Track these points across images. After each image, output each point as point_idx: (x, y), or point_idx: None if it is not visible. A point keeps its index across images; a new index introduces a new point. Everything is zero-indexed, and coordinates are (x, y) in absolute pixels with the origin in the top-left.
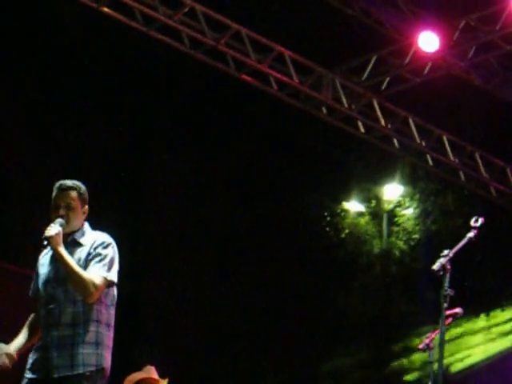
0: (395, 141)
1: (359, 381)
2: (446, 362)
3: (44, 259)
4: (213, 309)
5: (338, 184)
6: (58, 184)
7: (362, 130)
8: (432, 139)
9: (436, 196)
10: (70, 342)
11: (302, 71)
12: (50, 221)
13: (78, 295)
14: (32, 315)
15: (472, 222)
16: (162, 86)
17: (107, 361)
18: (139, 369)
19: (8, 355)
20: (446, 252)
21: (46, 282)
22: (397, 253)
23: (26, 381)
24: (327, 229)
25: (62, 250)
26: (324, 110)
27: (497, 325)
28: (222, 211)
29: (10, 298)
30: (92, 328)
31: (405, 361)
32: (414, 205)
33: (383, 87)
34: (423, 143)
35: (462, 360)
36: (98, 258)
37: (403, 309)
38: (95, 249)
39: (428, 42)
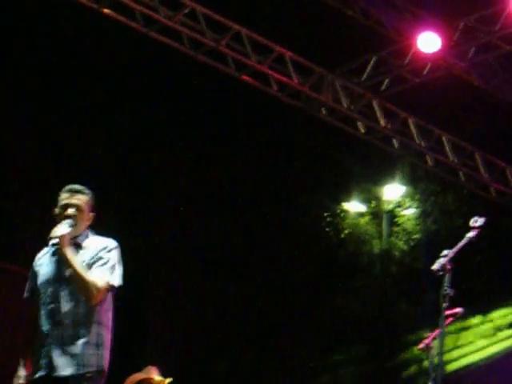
0: (395, 141)
1: (359, 380)
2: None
3: (43, 259)
4: (213, 309)
5: (338, 184)
6: (67, 187)
7: (362, 130)
8: (432, 139)
9: (436, 196)
10: (71, 342)
11: (302, 72)
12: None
13: (80, 296)
14: (28, 316)
15: (471, 223)
16: (162, 86)
17: (107, 362)
18: (140, 369)
19: None
20: (445, 252)
21: (48, 281)
22: (397, 253)
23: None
24: (327, 229)
25: (69, 250)
26: (324, 110)
27: (497, 325)
28: (222, 211)
29: (10, 297)
30: (94, 329)
31: (404, 357)
32: (414, 205)
33: (383, 88)
34: (423, 143)
35: (458, 359)
36: (101, 262)
37: (403, 309)
38: (98, 252)
39: (428, 42)
